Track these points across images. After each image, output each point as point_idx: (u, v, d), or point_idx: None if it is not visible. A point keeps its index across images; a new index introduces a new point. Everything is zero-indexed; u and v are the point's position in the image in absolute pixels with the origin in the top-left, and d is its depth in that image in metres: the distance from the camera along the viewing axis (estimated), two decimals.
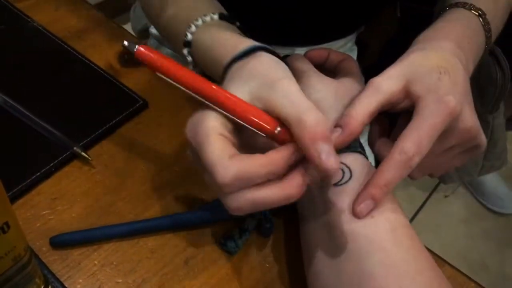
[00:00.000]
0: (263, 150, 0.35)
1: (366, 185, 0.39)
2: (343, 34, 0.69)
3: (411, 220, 1.63)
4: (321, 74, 0.50)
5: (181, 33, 0.47)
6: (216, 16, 0.46)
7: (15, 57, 0.56)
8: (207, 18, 0.46)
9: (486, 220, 1.62)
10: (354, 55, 0.76)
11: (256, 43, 0.41)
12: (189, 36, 0.46)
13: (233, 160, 0.33)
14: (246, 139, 0.39)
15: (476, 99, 0.75)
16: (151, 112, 0.55)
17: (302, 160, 0.35)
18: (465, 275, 0.47)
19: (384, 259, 0.36)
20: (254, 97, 0.36)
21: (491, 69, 0.71)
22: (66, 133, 0.50)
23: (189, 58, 0.47)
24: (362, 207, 0.38)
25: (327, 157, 0.33)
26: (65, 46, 0.58)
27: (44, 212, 0.45)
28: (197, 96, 0.36)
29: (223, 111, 0.35)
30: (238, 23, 0.48)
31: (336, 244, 0.38)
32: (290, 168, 0.35)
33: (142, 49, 0.37)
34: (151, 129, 0.53)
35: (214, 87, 0.36)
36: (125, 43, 0.37)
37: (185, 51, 0.47)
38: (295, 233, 0.45)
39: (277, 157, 0.34)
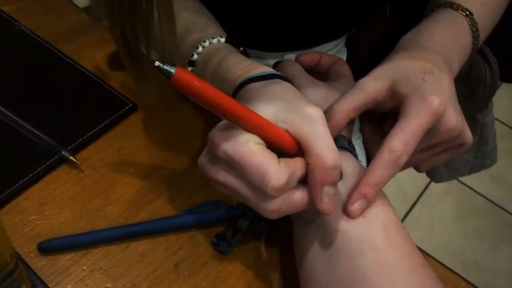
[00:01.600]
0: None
1: (357, 184, 0.39)
2: (334, 37, 0.69)
3: (403, 219, 1.64)
4: (311, 78, 0.50)
5: (187, 52, 0.47)
6: (223, 40, 0.48)
7: (1, 61, 0.56)
8: (215, 41, 0.48)
9: (479, 218, 1.63)
10: (344, 56, 0.76)
11: (273, 70, 0.44)
12: (195, 56, 0.48)
13: (283, 164, 0.35)
14: None
15: (467, 98, 0.75)
16: (140, 115, 0.54)
17: None
18: (457, 273, 0.47)
19: (376, 258, 0.37)
20: (279, 118, 0.37)
21: (480, 68, 0.71)
22: (54, 137, 0.49)
23: None
24: (355, 206, 0.38)
25: (326, 200, 0.36)
26: (53, 49, 0.57)
27: (32, 218, 0.45)
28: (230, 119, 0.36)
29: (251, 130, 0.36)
30: (242, 48, 0.49)
31: (328, 244, 0.39)
32: None
33: (182, 73, 0.32)
34: (140, 132, 0.53)
35: (245, 110, 0.35)
36: (158, 64, 0.31)
37: (188, 70, 0.47)
38: (288, 233, 0.45)
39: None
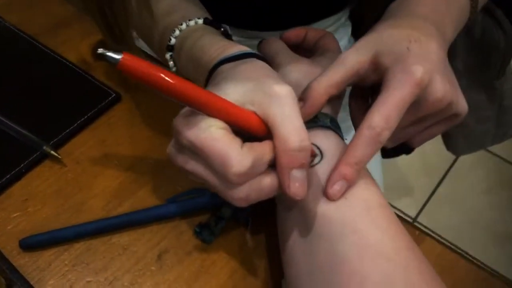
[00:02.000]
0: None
1: (336, 164, 0.37)
2: (334, 10, 0.66)
3: (431, 194, 1.59)
4: (293, 55, 0.48)
5: (165, 38, 0.45)
6: (200, 21, 0.46)
7: None
8: (192, 23, 0.45)
9: (510, 189, 1.56)
10: (348, 30, 0.73)
11: (248, 49, 0.41)
12: (173, 40, 0.45)
13: (246, 149, 0.33)
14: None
15: (481, 65, 0.71)
16: (125, 105, 0.53)
17: None
18: (458, 251, 0.44)
19: (357, 240, 0.34)
20: (247, 100, 0.35)
21: (493, 33, 0.67)
22: (38, 132, 0.49)
23: (171, 63, 0.47)
24: (335, 188, 0.36)
25: (294, 183, 0.34)
26: (37, 44, 0.57)
27: (15, 215, 0.45)
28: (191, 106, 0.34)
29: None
30: (223, 29, 0.47)
31: (309, 228, 0.37)
32: None
33: (128, 58, 0.30)
34: (124, 122, 0.52)
35: (208, 95, 0.33)
36: (101, 51, 0.30)
37: (167, 55, 0.46)
38: (274, 219, 0.43)
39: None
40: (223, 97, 0.35)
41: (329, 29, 0.66)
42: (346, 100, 0.45)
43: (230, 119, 0.34)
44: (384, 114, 0.36)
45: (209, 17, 0.47)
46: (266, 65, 0.39)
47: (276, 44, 0.49)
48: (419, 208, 1.58)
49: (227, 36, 0.47)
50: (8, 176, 0.46)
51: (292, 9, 0.61)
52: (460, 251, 0.45)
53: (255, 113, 0.35)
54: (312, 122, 0.41)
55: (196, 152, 0.34)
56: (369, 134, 0.36)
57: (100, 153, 0.49)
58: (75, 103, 0.52)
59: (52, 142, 0.48)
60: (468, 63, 0.71)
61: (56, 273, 0.42)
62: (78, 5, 0.61)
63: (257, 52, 0.41)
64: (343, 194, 0.36)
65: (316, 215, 0.36)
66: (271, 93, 0.34)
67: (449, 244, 0.45)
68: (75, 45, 0.58)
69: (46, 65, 0.55)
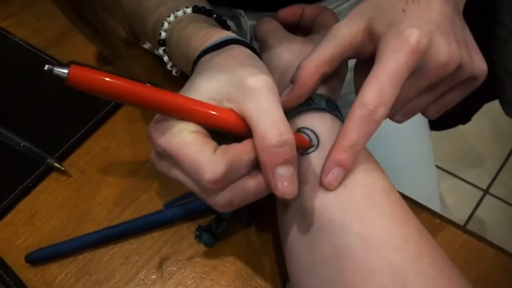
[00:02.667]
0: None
1: (330, 150, 0.33)
2: None
3: (504, 163, 1.47)
4: (286, 34, 0.44)
5: (157, 32, 0.44)
6: (189, 10, 0.43)
7: None
8: (180, 13, 0.42)
9: None
10: None
11: (229, 35, 0.38)
12: (163, 34, 0.43)
13: (219, 153, 0.30)
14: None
15: None
16: (127, 108, 0.52)
17: None
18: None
19: (361, 230, 0.31)
20: (224, 96, 0.32)
21: None
22: (42, 144, 0.49)
23: (166, 58, 0.45)
24: (330, 177, 0.33)
25: (281, 182, 0.31)
26: (44, 56, 0.57)
27: (23, 230, 0.45)
28: (160, 112, 0.32)
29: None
30: (215, 15, 0.44)
31: (309, 222, 0.33)
32: None
33: (76, 71, 0.28)
34: (126, 127, 0.51)
35: (175, 98, 0.31)
36: (48, 67, 0.28)
37: (160, 50, 0.44)
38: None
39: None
40: (195, 97, 0.32)
41: (345, 5, 0.61)
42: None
43: (203, 121, 0.32)
44: (377, 89, 0.32)
45: (202, 4, 0.44)
46: (245, 51, 0.36)
47: (268, 24, 0.45)
48: (491, 178, 1.47)
49: (222, 23, 0.45)
50: (16, 192, 0.47)
51: None
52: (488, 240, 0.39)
53: (233, 111, 0.32)
54: (305, 105, 0.37)
55: (171, 158, 0.32)
56: (361, 113, 0.32)
57: (103, 160, 0.49)
58: (78, 113, 0.52)
59: (57, 154, 0.49)
60: None
61: (61, 286, 0.42)
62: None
63: (238, 37, 0.38)
64: (340, 182, 0.33)
65: (315, 207, 0.33)
66: (245, 87, 0.31)
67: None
68: (80, 53, 0.58)
69: (50, 77, 0.55)
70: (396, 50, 0.32)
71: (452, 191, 1.46)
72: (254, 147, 0.31)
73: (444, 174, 1.49)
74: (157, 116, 0.33)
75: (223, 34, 0.38)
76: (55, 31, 0.61)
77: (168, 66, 0.45)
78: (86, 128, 0.50)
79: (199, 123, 0.32)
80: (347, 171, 0.33)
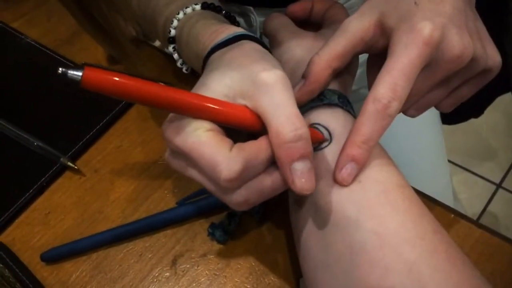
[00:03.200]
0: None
1: (343, 145, 0.33)
2: None
3: (506, 173, 1.45)
4: (297, 30, 0.44)
5: (166, 30, 0.44)
6: (198, 7, 0.42)
7: (7, 75, 0.57)
8: (189, 10, 0.42)
9: None
10: None
11: (239, 31, 0.38)
12: (173, 32, 0.43)
13: (235, 151, 0.30)
14: None
15: None
16: (138, 107, 0.53)
17: None
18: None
19: (376, 227, 0.31)
20: (237, 93, 0.32)
21: None
22: (57, 144, 0.49)
23: (176, 56, 0.44)
24: (344, 173, 0.33)
25: (299, 178, 0.30)
26: (55, 55, 0.58)
27: (38, 229, 0.46)
28: (174, 111, 0.32)
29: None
30: (224, 11, 0.44)
31: (322, 218, 0.33)
32: None
33: (91, 73, 0.28)
34: (138, 125, 0.51)
35: (189, 97, 0.31)
36: (62, 70, 0.28)
37: (170, 48, 0.44)
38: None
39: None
40: (208, 95, 0.32)
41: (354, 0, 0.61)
42: None
43: (217, 118, 0.31)
44: (390, 83, 0.32)
45: (211, 1, 0.44)
46: (256, 47, 0.36)
47: (278, 19, 0.45)
48: (504, 172, 1.45)
49: (231, 19, 0.44)
50: (30, 191, 0.47)
51: None
52: (503, 235, 0.39)
53: (246, 107, 0.32)
54: (318, 100, 0.37)
55: (186, 158, 0.32)
56: (375, 108, 0.32)
57: (116, 159, 0.49)
58: (90, 112, 0.52)
59: (70, 153, 0.49)
60: None
61: (76, 284, 0.42)
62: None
63: (249, 33, 0.38)
64: (354, 177, 0.33)
65: (329, 203, 0.33)
66: (259, 82, 0.31)
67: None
68: (90, 52, 0.58)
69: (65, 80, 0.55)
70: (409, 44, 0.32)
71: (464, 185, 1.44)
72: (270, 144, 0.31)
73: (456, 168, 1.48)
74: (170, 115, 0.33)
75: (233, 30, 0.38)
76: (66, 30, 0.61)
77: (178, 64, 0.45)
78: (98, 127, 0.51)
79: (213, 120, 0.32)
80: (361, 166, 0.33)
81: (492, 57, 0.35)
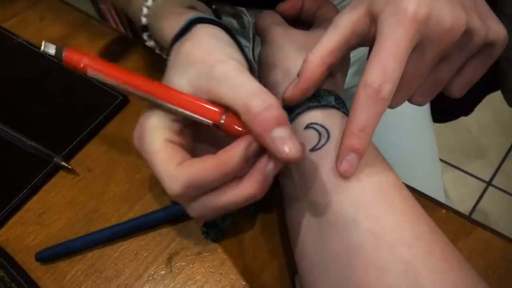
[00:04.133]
0: (225, 143, 0.31)
1: (342, 138, 0.33)
2: None
3: (507, 153, 1.47)
4: (288, 28, 0.44)
5: (138, 18, 0.44)
6: None
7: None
8: None
9: None
10: None
11: (192, 15, 0.36)
12: (144, 20, 0.43)
13: (181, 168, 0.30)
14: (204, 134, 0.35)
15: None
16: (133, 106, 0.53)
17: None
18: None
19: (373, 227, 0.31)
20: (197, 88, 0.32)
21: None
22: (49, 144, 0.49)
23: (151, 43, 0.44)
24: (346, 164, 0.32)
25: (282, 145, 0.29)
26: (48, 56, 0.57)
27: (32, 229, 0.45)
28: (136, 92, 0.32)
29: (163, 105, 0.32)
30: None
31: (319, 218, 0.33)
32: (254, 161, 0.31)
33: (70, 52, 0.32)
34: (132, 125, 0.51)
35: (149, 82, 0.32)
36: (44, 46, 0.32)
37: (145, 36, 0.44)
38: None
39: (228, 156, 0.30)
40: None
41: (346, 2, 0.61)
42: None
43: (188, 108, 0.31)
44: (379, 66, 0.31)
45: None
46: (209, 31, 0.35)
47: (269, 18, 0.45)
48: (494, 170, 1.47)
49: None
50: (24, 191, 0.47)
51: None
52: (494, 229, 0.39)
53: (209, 101, 0.32)
54: (315, 101, 0.37)
55: None
56: (366, 94, 0.31)
57: (110, 158, 0.49)
58: (84, 111, 0.52)
59: (63, 153, 0.49)
60: None
61: (71, 283, 0.42)
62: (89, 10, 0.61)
63: (203, 15, 0.37)
64: (355, 169, 0.32)
65: (326, 203, 0.33)
66: (215, 75, 0.31)
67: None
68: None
69: (55, 77, 0.55)
70: (395, 23, 0.31)
71: (455, 183, 1.46)
72: (220, 164, 0.30)
73: (447, 166, 1.49)
74: (138, 121, 0.34)
75: (187, 16, 0.37)
76: (58, 31, 0.61)
77: (157, 50, 0.45)
78: (92, 126, 0.51)
79: (174, 111, 0.32)
80: (361, 156, 0.32)
81: (495, 29, 0.34)
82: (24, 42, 0.59)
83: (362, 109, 0.32)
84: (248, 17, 0.58)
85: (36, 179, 0.48)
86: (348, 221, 0.32)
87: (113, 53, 0.58)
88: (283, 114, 0.30)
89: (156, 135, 0.31)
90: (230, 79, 0.31)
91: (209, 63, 0.32)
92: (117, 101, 0.52)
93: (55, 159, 0.48)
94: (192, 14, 0.37)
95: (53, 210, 0.46)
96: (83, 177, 0.48)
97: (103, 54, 0.57)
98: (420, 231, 0.31)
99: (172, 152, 0.31)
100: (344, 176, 0.33)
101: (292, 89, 0.36)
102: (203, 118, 0.31)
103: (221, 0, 0.56)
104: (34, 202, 0.47)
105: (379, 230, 0.31)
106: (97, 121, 0.51)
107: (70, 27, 0.61)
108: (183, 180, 0.30)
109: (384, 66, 0.31)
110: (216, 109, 0.31)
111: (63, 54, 0.32)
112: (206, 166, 0.30)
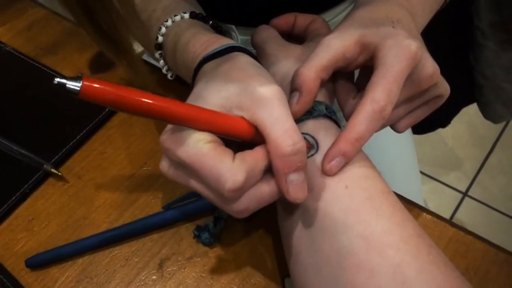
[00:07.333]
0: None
1: (336, 140, 0.35)
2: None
3: (482, 165, 1.51)
4: (284, 42, 0.46)
5: (154, 36, 0.45)
6: (186, 15, 0.44)
7: None
8: (177, 18, 0.43)
9: None
10: None
11: (231, 42, 0.39)
12: (160, 39, 0.44)
13: (238, 162, 0.31)
14: None
15: (507, 23, 0.66)
16: (122, 114, 0.53)
17: None
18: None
19: (363, 231, 0.32)
20: (234, 105, 0.33)
21: None
22: (40, 151, 0.49)
23: (161, 62, 0.45)
24: (333, 164, 0.35)
25: (294, 189, 0.32)
26: (36, 64, 0.58)
27: (22, 235, 0.45)
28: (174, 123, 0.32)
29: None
30: (211, 22, 0.45)
31: (311, 223, 0.35)
32: None
33: (89, 84, 0.28)
34: (122, 132, 0.52)
35: (188, 109, 0.32)
36: (58, 81, 0.28)
37: (157, 54, 0.45)
38: (276, 214, 0.41)
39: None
40: (206, 106, 0.33)
41: (340, 16, 0.63)
42: None
43: (216, 129, 0.32)
44: (386, 88, 0.34)
45: (198, 11, 0.45)
46: (250, 61, 0.37)
47: (266, 32, 0.47)
48: (470, 181, 1.51)
49: (218, 30, 0.46)
50: (13, 198, 0.47)
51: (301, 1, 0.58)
52: (475, 233, 0.41)
53: (243, 118, 0.33)
54: (308, 113, 0.39)
55: (188, 169, 0.33)
56: (372, 109, 0.34)
57: (99, 165, 0.50)
58: (73, 119, 0.53)
59: (53, 160, 0.49)
60: (493, 23, 0.67)
61: None
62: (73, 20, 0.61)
63: (240, 45, 0.39)
64: (339, 170, 0.35)
65: (317, 209, 0.35)
66: (257, 96, 0.33)
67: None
68: (73, 61, 0.59)
69: (44, 84, 0.56)
70: (399, 56, 0.35)
71: (432, 194, 1.49)
72: (267, 154, 0.32)
73: (424, 177, 1.52)
74: (169, 126, 0.34)
75: (225, 41, 0.39)
76: (47, 40, 0.61)
77: (164, 70, 0.46)
78: (82, 133, 0.51)
79: (211, 131, 0.33)
80: (348, 161, 0.35)
81: (444, 85, 0.39)
82: (13, 51, 0.59)
83: (365, 121, 0.34)
84: (237, 34, 0.59)
85: (26, 185, 0.48)
86: (338, 226, 0.33)
87: (102, 63, 0.58)
88: (305, 160, 0.32)
89: (199, 137, 0.32)
90: (271, 107, 0.32)
91: (252, 84, 0.33)
92: (107, 109, 0.53)
93: (44, 166, 0.48)
94: (229, 41, 0.39)
95: (43, 216, 0.47)
96: (73, 184, 0.49)
97: (91, 63, 0.58)
98: (408, 235, 0.33)
99: (221, 149, 0.32)
100: (328, 174, 0.35)
101: (298, 104, 0.37)
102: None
103: (212, 17, 0.57)
104: (24, 209, 0.47)
105: (369, 234, 0.32)
106: (87, 128, 0.51)
107: (59, 36, 0.61)
108: (245, 170, 0.31)
109: (390, 89, 0.34)
110: (248, 128, 0.33)
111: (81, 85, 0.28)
112: (259, 155, 0.32)
